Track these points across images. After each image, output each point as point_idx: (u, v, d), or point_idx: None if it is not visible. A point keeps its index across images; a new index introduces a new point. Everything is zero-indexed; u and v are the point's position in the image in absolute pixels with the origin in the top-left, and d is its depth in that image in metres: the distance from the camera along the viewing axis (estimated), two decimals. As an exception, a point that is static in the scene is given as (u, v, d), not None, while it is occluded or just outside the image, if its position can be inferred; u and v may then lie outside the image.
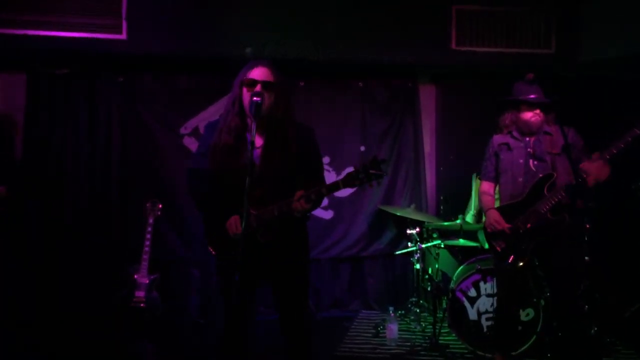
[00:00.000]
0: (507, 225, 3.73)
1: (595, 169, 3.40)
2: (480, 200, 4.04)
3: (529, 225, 3.65)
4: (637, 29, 4.58)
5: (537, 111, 3.74)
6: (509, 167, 3.83)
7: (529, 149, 3.78)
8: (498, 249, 3.80)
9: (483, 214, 4.05)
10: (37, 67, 5.09)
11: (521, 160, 3.78)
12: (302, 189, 2.88)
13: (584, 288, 4.56)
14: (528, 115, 3.75)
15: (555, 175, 3.65)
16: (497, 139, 3.93)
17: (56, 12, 4.57)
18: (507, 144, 3.86)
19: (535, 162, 3.73)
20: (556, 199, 3.58)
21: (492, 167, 3.95)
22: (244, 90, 2.94)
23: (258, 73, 2.94)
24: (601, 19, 4.94)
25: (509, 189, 3.82)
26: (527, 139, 3.80)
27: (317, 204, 2.99)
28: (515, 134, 3.85)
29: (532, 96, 3.71)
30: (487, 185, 4.00)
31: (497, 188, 3.98)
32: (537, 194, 3.66)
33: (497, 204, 3.95)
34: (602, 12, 4.91)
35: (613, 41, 4.80)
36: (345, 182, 2.82)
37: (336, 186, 2.85)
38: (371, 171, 2.77)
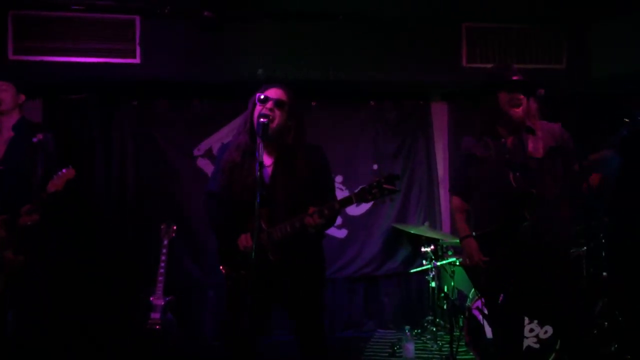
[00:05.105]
0: (482, 259, 3.08)
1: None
2: (454, 220, 3.38)
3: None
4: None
5: (520, 97, 2.99)
6: (480, 183, 3.15)
7: (506, 156, 3.03)
8: (480, 286, 3.24)
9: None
10: (53, 93, 5.17)
11: (494, 174, 3.05)
12: (314, 205, 2.88)
13: (602, 305, 4.51)
14: (506, 100, 2.99)
15: (534, 192, 2.91)
16: (467, 145, 3.22)
17: (71, 38, 4.65)
18: (474, 155, 3.14)
19: (517, 174, 2.97)
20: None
21: (463, 178, 3.26)
22: (257, 107, 2.98)
23: (272, 92, 2.98)
24: (612, 34, 4.94)
25: (485, 211, 3.14)
26: (503, 140, 3.07)
27: (331, 221, 2.99)
28: (488, 139, 3.10)
29: (514, 78, 3.01)
30: (457, 201, 3.31)
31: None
32: (516, 218, 2.95)
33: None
34: (613, 27, 4.91)
35: (624, 56, 4.79)
36: (358, 197, 2.82)
37: (349, 200, 2.84)
38: (385, 186, 2.76)
